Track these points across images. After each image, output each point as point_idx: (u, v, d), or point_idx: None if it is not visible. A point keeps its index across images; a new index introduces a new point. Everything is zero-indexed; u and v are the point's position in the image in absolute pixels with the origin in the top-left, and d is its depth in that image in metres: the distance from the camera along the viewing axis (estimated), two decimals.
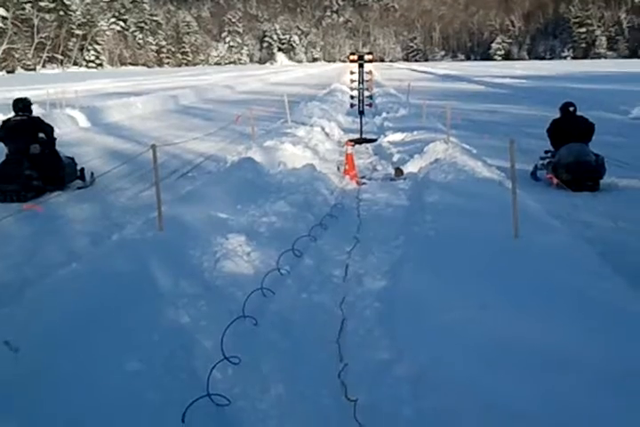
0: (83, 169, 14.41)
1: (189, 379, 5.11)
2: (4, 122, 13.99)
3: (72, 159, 14.34)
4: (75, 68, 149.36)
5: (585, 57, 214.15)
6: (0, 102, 31.76)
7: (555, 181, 10.03)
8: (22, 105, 13.92)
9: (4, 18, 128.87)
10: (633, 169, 14.36)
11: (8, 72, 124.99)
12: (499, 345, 5.14)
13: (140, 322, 5.79)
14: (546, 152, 13.88)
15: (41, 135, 13.68)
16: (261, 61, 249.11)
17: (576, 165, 12.58)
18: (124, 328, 5.64)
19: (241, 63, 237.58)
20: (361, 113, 20.77)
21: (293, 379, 5.39)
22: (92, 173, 14.35)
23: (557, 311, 5.64)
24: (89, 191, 13.40)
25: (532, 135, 18.20)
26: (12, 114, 14.03)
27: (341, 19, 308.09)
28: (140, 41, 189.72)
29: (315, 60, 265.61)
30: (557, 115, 14.00)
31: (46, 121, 14.47)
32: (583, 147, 13.12)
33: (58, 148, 14.02)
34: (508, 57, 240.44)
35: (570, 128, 13.52)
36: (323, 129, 20.74)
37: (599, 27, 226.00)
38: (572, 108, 13.83)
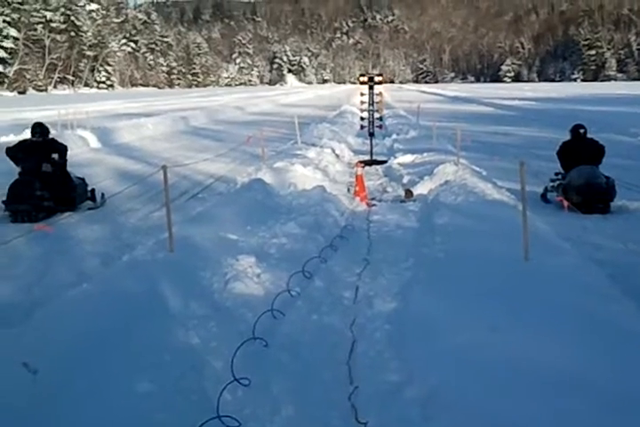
0: (93, 190, 14.46)
1: (200, 400, 5.10)
2: (20, 142, 14.13)
3: (83, 180, 14.42)
4: (86, 89, 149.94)
5: (595, 79, 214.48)
6: (12, 123, 32.05)
7: (565, 203, 10.01)
8: (40, 130, 14.00)
9: (16, 39, 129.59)
10: None
11: (19, 93, 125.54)
12: (509, 367, 5.13)
13: (150, 343, 5.79)
14: (556, 174, 13.92)
15: (54, 155, 13.68)
16: (271, 83, 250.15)
17: (587, 188, 12.55)
18: (134, 349, 5.64)
19: (251, 84, 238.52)
20: (371, 134, 20.81)
21: (303, 401, 5.38)
22: (103, 194, 14.42)
23: (567, 334, 5.63)
24: (100, 212, 13.45)
25: (542, 157, 18.20)
26: (27, 135, 14.00)
27: (351, 40, 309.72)
28: (151, 62, 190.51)
29: (325, 81, 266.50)
30: (567, 137, 14.01)
31: (60, 141, 14.58)
32: (594, 169, 13.07)
33: (69, 168, 14.09)
34: (517, 79, 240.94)
35: (580, 150, 13.47)
36: (333, 150, 20.80)
37: (609, 49, 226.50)
38: (582, 131, 13.79)
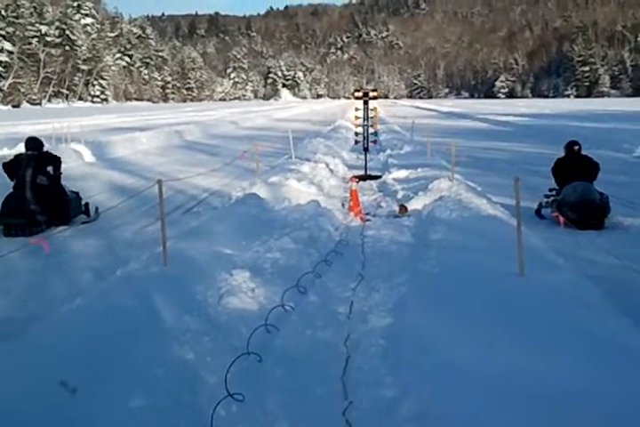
0: (87, 204, 14.48)
1: (193, 416, 5.08)
2: (15, 156, 14.21)
3: (77, 194, 14.41)
4: (80, 103, 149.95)
5: (588, 95, 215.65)
6: (6, 137, 32.01)
7: (561, 219, 10.04)
8: (34, 144, 14.14)
9: (11, 52, 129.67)
10: (638, 208, 14.36)
11: (14, 106, 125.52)
12: (504, 383, 5.11)
13: (144, 358, 5.77)
14: (550, 190, 14.04)
15: (49, 168, 13.76)
16: (266, 97, 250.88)
17: (581, 204, 12.62)
18: (128, 364, 5.62)
19: (245, 99, 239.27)
20: (365, 150, 20.80)
21: (298, 416, 5.35)
22: (97, 208, 14.51)
23: (563, 350, 5.63)
24: (94, 226, 13.42)
25: (537, 173, 18.24)
26: (21, 149, 13.96)
27: (346, 55, 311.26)
28: (146, 76, 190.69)
29: (319, 96, 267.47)
30: (561, 153, 14.09)
31: (54, 153, 14.69)
32: (588, 185, 13.20)
33: (63, 182, 14.07)
34: (511, 95, 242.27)
35: (574, 167, 13.64)
36: (327, 165, 20.81)
37: (602, 65, 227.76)
38: (576, 148, 14.03)
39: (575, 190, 13.04)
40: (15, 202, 12.99)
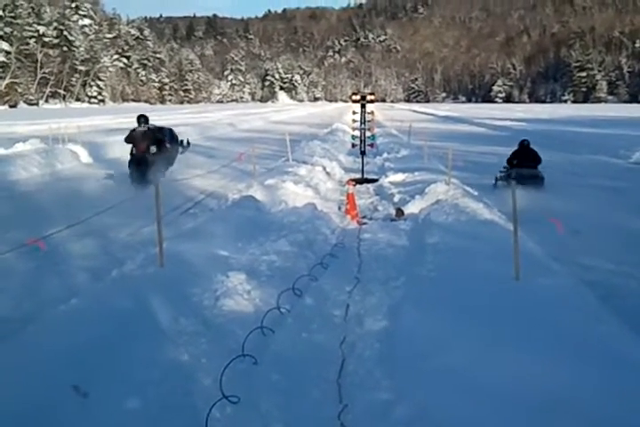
0: (182, 141, 21.72)
1: (188, 417, 5.08)
2: (131, 131, 19.60)
3: (182, 141, 21.91)
4: (77, 104, 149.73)
5: (585, 101, 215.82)
6: (3, 137, 31.99)
7: (559, 224, 10.05)
8: (144, 119, 19.74)
9: (8, 53, 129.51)
10: (634, 214, 14.38)
11: (10, 106, 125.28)
12: (499, 387, 5.12)
13: (139, 359, 5.77)
14: (504, 167, 19.54)
15: (154, 146, 19.19)
16: (263, 100, 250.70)
17: (520, 176, 17.60)
18: (123, 365, 5.62)
19: (243, 101, 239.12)
20: (362, 153, 20.80)
21: (293, 419, 5.36)
22: (188, 141, 22.24)
23: (558, 354, 5.63)
24: (89, 227, 13.39)
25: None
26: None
27: (343, 59, 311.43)
28: (143, 78, 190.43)
29: (316, 99, 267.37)
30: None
31: (159, 126, 20.92)
32: (530, 169, 18.72)
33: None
34: (508, 100, 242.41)
35: (523, 156, 19.25)
36: (324, 168, 20.80)
37: (600, 71, 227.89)
38: (525, 143, 19.68)
39: (519, 171, 18.45)
40: (137, 160, 18.81)
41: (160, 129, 20.15)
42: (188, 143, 22.16)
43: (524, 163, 18.86)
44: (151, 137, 19.20)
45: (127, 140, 19.49)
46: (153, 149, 18.97)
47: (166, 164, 19.60)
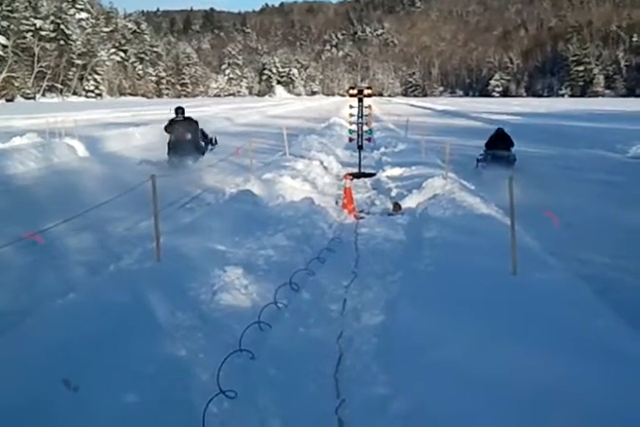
0: (212, 138, 25.17)
1: (185, 412, 5.08)
2: (170, 120, 22.60)
3: (211, 139, 25.46)
4: (74, 98, 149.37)
5: (582, 95, 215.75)
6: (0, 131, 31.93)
7: (556, 219, 10.06)
8: (181, 111, 22.57)
9: (5, 46, 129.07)
10: (631, 208, 14.39)
11: (7, 100, 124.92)
12: (496, 382, 5.13)
13: (136, 354, 5.77)
14: (483, 151, 22.26)
15: (189, 133, 22.38)
16: (260, 94, 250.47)
17: (494, 156, 21.61)
18: (120, 360, 5.62)
19: (240, 95, 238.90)
20: (360, 147, 20.76)
21: (290, 414, 5.36)
22: (216, 139, 25.56)
23: (555, 349, 5.64)
24: (86, 220, 13.37)
25: (529, 172, 18.29)
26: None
27: (341, 53, 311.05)
28: (140, 72, 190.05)
29: (313, 93, 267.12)
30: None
31: (194, 118, 23.64)
32: (504, 151, 21.67)
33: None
34: (506, 93, 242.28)
35: (498, 141, 22.07)
36: (321, 163, 20.77)
37: (597, 65, 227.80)
38: (500, 130, 22.63)
39: (494, 153, 21.72)
40: (175, 146, 21.87)
41: (194, 120, 23.16)
42: (216, 141, 25.62)
43: (498, 146, 21.84)
44: (186, 126, 22.50)
45: (166, 128, 22.58)
46: (188, 135, 22.25)
47: (199, 151, 22.83)
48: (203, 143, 23.77)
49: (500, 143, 21.98)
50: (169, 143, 22.20)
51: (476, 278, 7.77)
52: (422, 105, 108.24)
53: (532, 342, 5.80)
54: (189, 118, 22.97)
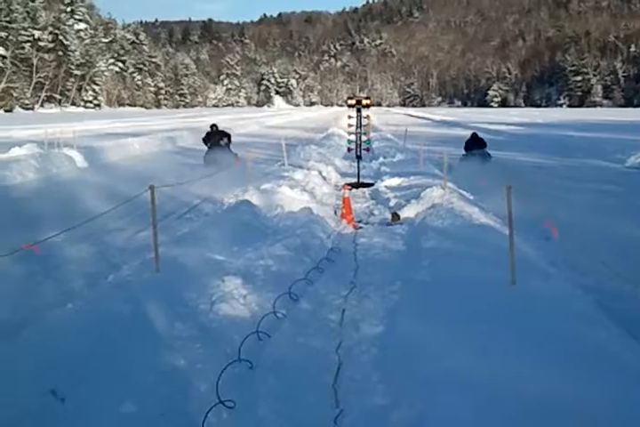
0: (236, 154, 25.44)
1: (184, 422, 5.08)
2: (207, 132, 26.76)
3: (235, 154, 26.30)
4: (73, 108, 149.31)
5: (580, 105, 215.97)
6: None
7: (555, 230, 10.08)
8: (215, 127, 27.08)
9: (4, 57, 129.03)
10: (629, 218, 14.39)
11: (6, 111, 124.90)
12: (495, 392, 5.12)
13: (135, 364, 5.77)
14: (465, 152, 25.52)
15: (224, 138, 26.25)
16: (259, 104, 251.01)
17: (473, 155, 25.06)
18: (119, 370, 5.61)
19: (238, 106, 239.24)
20: (358, 157, 20.79)
21: (289, 424, 5.35)
22: (238, 155, 25.30)
23: (554, 359, 5.63)
24: (85, 231, 13.36)
25: (528, 181, 18.30)
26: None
27: (339, 63, 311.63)
28: (139, 82, 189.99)
29: (312, 103, 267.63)
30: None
31: (227, 131, 27.76)
32: (479, 150, 25.09)
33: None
34: (504, 104, 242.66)
35: (474, 143, 25.33)
36: (320, 173, 20.77)
37: (595, 75, 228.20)
38: (474, 135, 25.91)
39: (472, 154, 25.07)
40: (212, 154, 25.03)
41: (225, 132, 27.32)
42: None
43: (474, 147, 25.49)
44: (220, 135, 26.54)
45: (204, 138, 26.89)
46: (222, 142, 26.03)
47: (229, 155, 25.13)
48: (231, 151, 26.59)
49: (475, 145, 25.68)
50: (207, 148, 26.28)
51: (475, 288, 7.77)
52: (420, 115, 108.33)
53: (530, 351, 5.80)
54: (222, 130, 27.32)
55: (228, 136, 27.01)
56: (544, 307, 7.02)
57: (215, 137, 26.61)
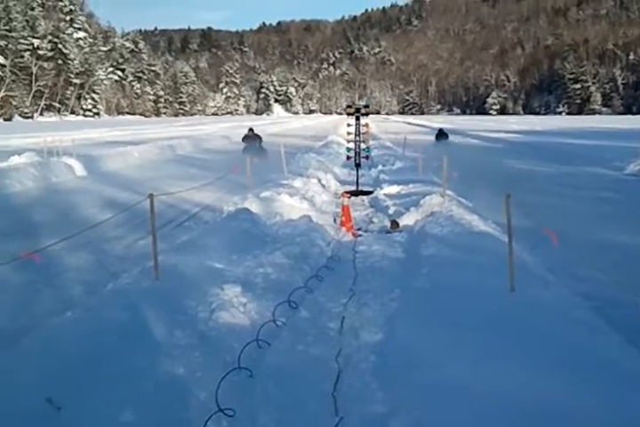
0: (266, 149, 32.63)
1: None
2: (246, 134, 34.90)
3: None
4: (72, 117, 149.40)
5: (579, 113, 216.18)
6: None
7: (554, 236, 10.09)
8: (252, 131, 34.61)
9: (3, 65, 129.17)
10: (628, 225, 14.40)
11: (5, 119, 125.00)
12: (495, 400, 5.12)
13: (134, 372, 5.76)
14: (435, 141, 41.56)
15: (257, 139, 34.10)
16: (258, 112, 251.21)
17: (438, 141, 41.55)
18: (118, 378, 5.60)
19: (237, 114, 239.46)
20: (357, 165, 20.80)
21: None
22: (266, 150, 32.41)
23: (553, 366, 5.63)
24: (84, 239, 13.37)
25: (527, 189, 18.32)
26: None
27: (338, 71, 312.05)
28: (138, 90, 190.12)
29: (311, 111, 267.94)
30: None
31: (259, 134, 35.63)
32: (443, 138, 43.53)
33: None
34: (503, 111, 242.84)
35: (441, 135, 44.19)
36: (319, 180, 20.78)
37: (594, 83, 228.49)
38: (440, 129, 46.18)
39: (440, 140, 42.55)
40: (249, 148, 31.68)
41: (258, 135, 35.17)
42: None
43: (442, 137, 43.83)
44: (254, 136, 34.53)
45: (244, 138, 35.13)
46: (256, 143, 33.48)
47: (261, 150, 32.51)
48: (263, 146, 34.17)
49: (442, 135, 44.60)
50: (246, 144, 34.03)
51: (475, 295, 7.77)
52: (419, 123, 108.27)
53: (530, 359, 5.80)
54: (256, 134, 35.03)
55: (260, 137, 34.97)
56: (543, 314, 7.02)
57: (251, 137, 34.65)
